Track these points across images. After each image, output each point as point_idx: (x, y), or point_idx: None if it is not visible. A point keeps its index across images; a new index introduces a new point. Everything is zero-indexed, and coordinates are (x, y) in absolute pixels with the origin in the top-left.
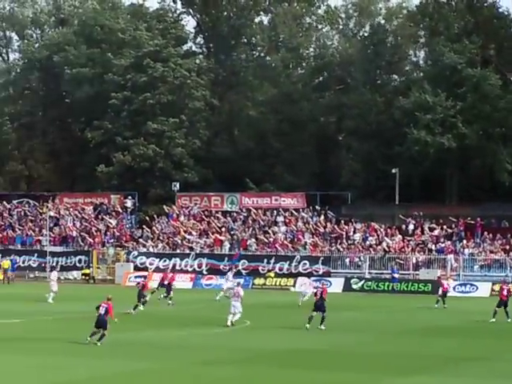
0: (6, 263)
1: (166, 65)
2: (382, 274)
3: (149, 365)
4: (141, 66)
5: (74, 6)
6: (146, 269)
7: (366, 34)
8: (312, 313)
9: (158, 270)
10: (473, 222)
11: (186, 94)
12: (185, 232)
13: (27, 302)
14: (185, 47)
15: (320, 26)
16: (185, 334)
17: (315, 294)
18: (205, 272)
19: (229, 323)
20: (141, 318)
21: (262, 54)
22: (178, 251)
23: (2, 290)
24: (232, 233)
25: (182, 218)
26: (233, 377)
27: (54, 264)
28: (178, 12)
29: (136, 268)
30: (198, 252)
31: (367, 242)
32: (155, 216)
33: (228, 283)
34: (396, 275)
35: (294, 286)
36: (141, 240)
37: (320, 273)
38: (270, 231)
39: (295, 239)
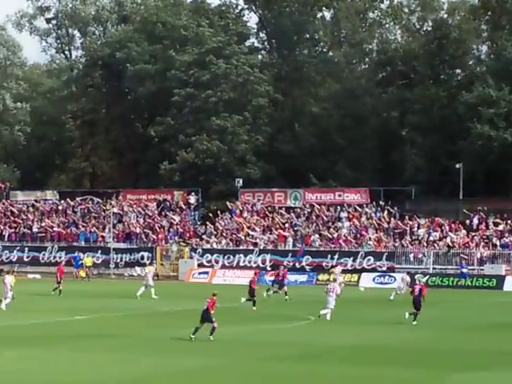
0: (89, 260)
1: (229, 62)
2: (446, 269)
3: (217, 361)
4: (203, 62)
5: (135, 3)
6: (211, 266)
7: (428, 29)
8: (413, 310)
9: (223, 266)
10: None
11: (248, 91)
12: (248, 228)
13: (94, 298)
14: (247, 43)
15: (383, 21)
16: (251, 330)
17: (413, 291)
18: (268, 268)
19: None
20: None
21: (325, 50)
22: (242, 247)
23: (85, 287)
24: (295, 229)
25: (245, 214)
26: (294, 372)
27: (118, 260)
28: (239, 8)
29: (200, 265)
30: (261, 248)
31: (431, 238)
32: (218, 212)
33: (339, 277)
34: (465, 270)
35: (357, 281)
36: (204, 236)
37: (384, 268)
38: (333, 227)
39: (359, 235)
